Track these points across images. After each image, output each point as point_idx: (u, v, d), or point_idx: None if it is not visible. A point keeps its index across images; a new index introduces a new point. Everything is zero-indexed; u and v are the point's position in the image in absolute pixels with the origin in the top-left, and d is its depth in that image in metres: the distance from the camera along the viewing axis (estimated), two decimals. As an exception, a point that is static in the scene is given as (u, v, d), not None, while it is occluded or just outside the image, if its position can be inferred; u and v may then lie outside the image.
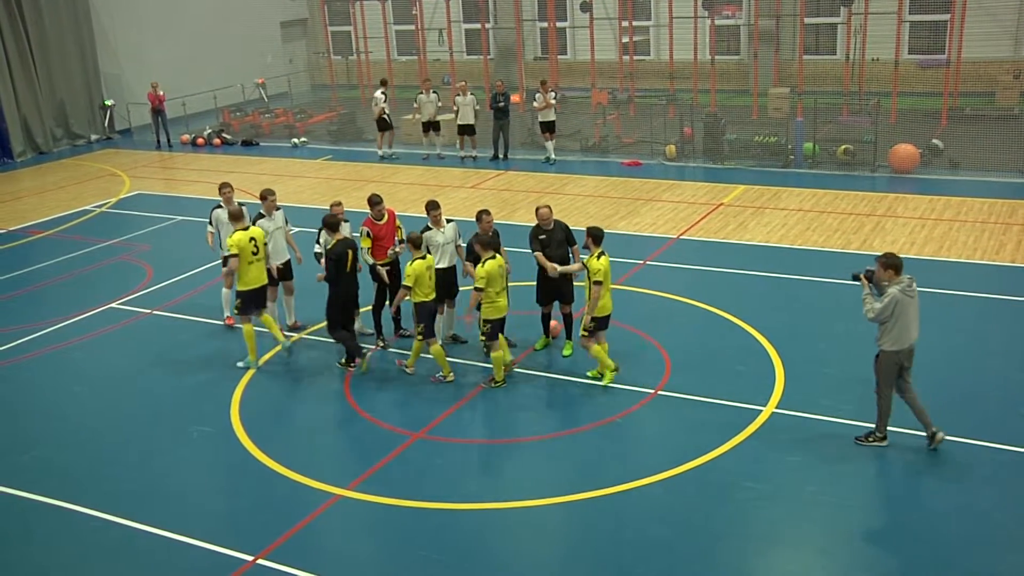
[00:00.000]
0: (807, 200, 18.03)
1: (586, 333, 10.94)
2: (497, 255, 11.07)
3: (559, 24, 30.37)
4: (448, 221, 12.08)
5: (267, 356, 12.44)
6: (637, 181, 20.33)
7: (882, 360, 9.24)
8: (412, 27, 30.98)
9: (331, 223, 11.74)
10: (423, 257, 11.29)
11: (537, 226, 11.65)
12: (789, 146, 20.73)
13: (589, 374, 11.27)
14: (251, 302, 11.99)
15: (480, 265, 10.92)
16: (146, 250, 17.36)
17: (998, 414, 10.05)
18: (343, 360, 11.99)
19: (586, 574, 8.07)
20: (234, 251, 11.69)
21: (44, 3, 26.85)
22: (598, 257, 10.77)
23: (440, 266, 11.83)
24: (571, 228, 11.81)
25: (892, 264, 9.17)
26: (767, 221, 16.89)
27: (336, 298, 11.69)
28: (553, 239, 11.56)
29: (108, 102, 28.90)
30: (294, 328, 13.10)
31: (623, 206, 18.47)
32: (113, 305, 14.66)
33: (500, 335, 11.20)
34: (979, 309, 12.84)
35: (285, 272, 12.82)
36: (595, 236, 10.91)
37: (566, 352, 11.94)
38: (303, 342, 12.82)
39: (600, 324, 10.98)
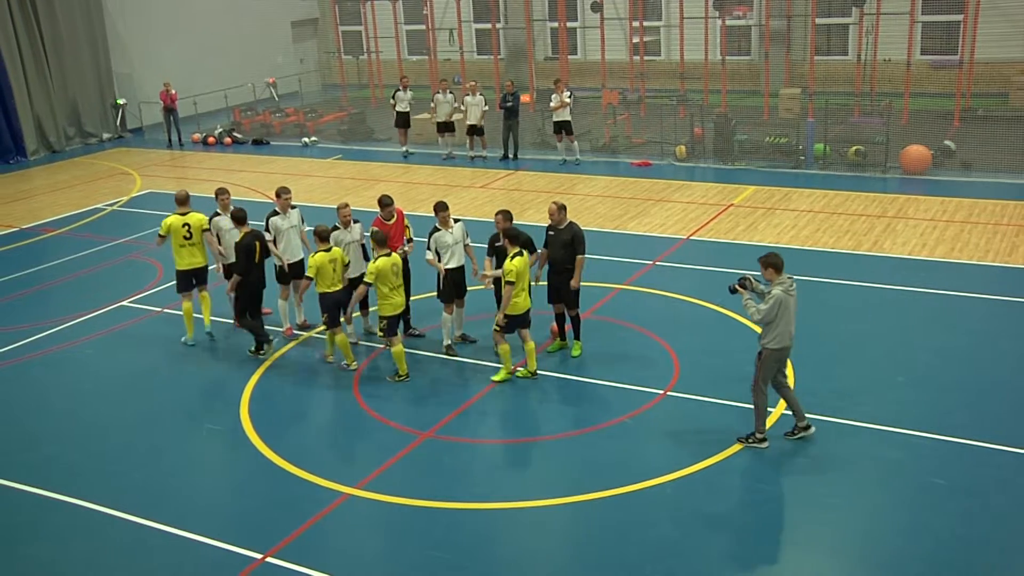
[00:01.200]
0: (818, 201, 17.97)
1: (497, 329, 11.07)
2: (393, 253, 11.31)
3: (570, 24, 30.33)
4: (455, 221, 12.09)
5: (274, 357, 12.48)
6: (647, 181, 20.30)
7: (766, 358, 9.38)
8: (423, 27, 31.01)
9: (237, 216, 12.28)
10: (327, 250, 11.57)
11: (550, 224, 11.66)
12: (800, 147, 20.66)
13: (494, 379, 11.31)
14: (183, 282, 12.82)
15: (371, 262, 11.17)
16: (156, 249, 17.35)
17: (1008, 416, 10.00)
18: (252, 348, 12.45)
19: (594, 574, 8.06)
20: (163, 232, 12.67)
21: (57, 3, 26.96)
22: (513, 258, 10.86)
23: (449, 266, 11.87)
24: (584, 230, 11.72)
25: (772, 263, 9.31)
26: (777, 222, 16.84)
27: (245, 288, 12.07)
28: (557, 240, 11.51)
29: (120, 101, 28.99)
30: (303, 327, 13.12)
31: (633, 206, 18.44)
32: (123, 303, 14.72)
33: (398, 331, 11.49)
34: (990, 311, 12.77)
35: (296, 270, 12.82)
36: (511, 237, 11.05)
37: (575, 352, 11.92)
38: (313, 341, 12.84)
39: (513, 322, 11.06)
